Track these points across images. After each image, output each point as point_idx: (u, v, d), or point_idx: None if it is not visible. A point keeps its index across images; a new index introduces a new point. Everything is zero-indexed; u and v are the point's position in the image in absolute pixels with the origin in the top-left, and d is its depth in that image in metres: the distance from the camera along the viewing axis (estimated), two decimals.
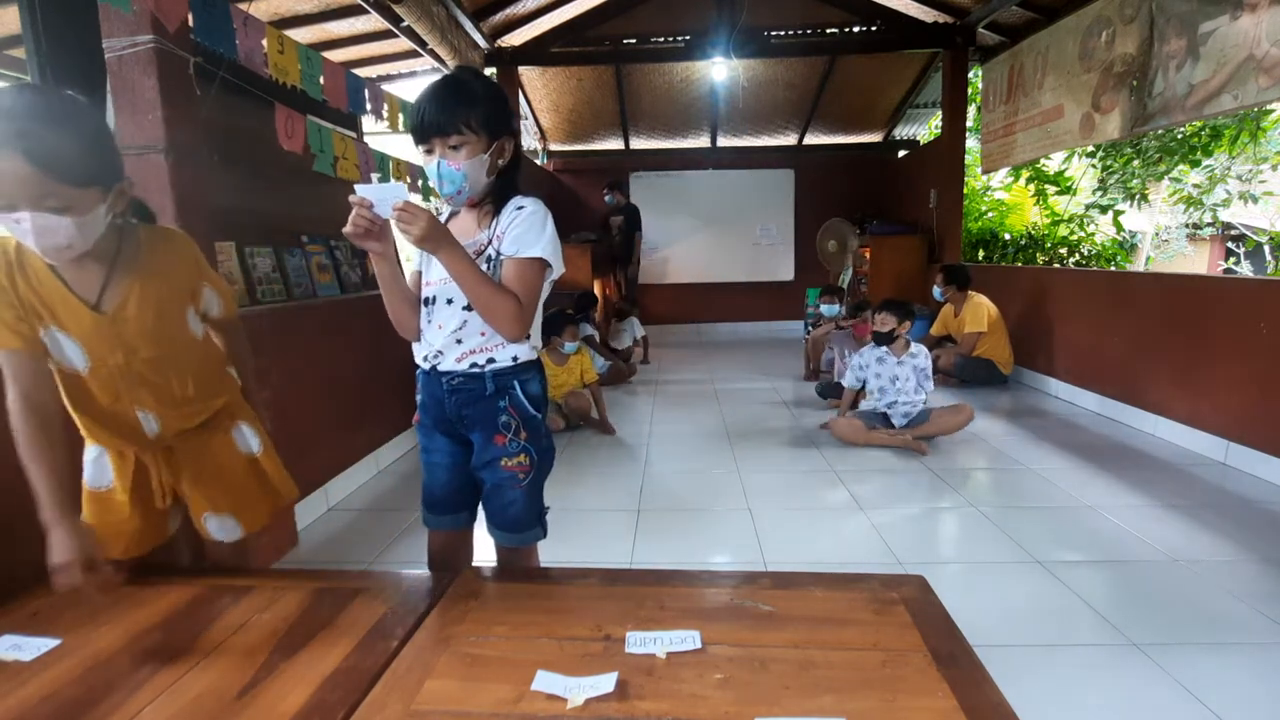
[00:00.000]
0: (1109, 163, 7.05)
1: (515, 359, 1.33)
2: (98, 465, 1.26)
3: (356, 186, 1.16)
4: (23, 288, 1.10)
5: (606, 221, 6.94)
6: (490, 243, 1.27)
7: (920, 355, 3.47)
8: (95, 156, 1.05)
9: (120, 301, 1.15)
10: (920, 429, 3.36)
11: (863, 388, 3.61)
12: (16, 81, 1.02)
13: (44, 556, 1.06)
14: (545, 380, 1.41)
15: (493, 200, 1.31)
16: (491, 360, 1.31)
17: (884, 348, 3.48)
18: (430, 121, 1.21)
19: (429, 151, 1.23)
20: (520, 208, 1.28)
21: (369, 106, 2.90)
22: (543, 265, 1.27)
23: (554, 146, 8.02)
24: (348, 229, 1.17)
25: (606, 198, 6.75)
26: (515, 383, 1.34)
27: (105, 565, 1.11)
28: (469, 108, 1.21)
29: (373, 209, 1.16)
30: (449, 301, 1.29)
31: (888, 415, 3.46)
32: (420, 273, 1.34)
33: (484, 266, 1.25)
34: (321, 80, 2.53)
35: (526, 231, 1.25)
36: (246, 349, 1.45)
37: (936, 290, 4.88)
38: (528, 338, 1.33)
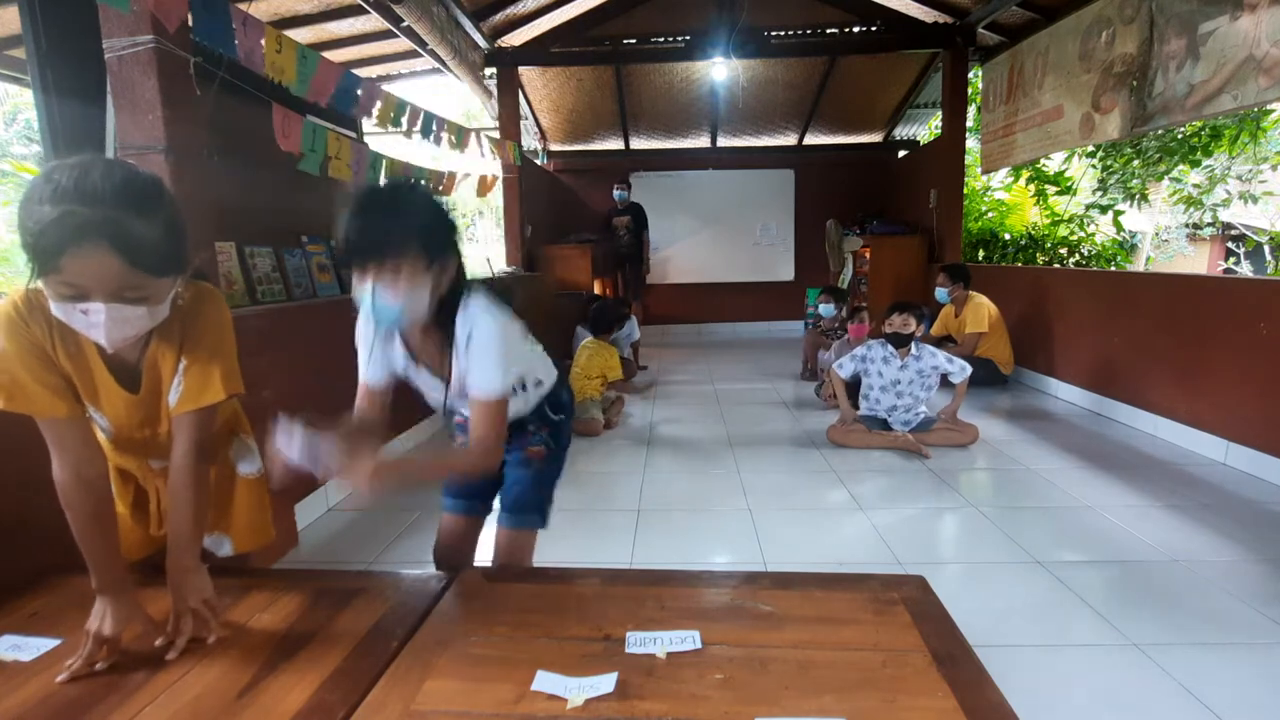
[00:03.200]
0: (1109, 163, 7.05)
1: (542, 403, 1.43)
2: None
3: (280, 444, 1.00)
4: (62, 359, 1.02)
5: (609, 221, 6.75)
6: (451, 377, 1.23)
7: (924, 355, 3.41)
8: (176, 244, 0.96)
9: (152, 378, 1.09)
10: (921, 437, 3.33)
11: (858, 387, 3.58)
12: (93, 157, 0.88)
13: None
14: (569, 387, 1.50)
15: (438, 322, 1.20)
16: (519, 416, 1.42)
17: (892, 348, 3.45)
18: (359, 246, 1.05)
19: (363, 274, 1.08)
20: (470, 334, 1.17)
21: (359, 105, 2.89)
22: (506, 397, 1.21)
23: (554, 146, 8.02)
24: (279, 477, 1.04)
25: (617, 193, 6.56)
26: (545, 406, 1.44)
27: (149, 624, 1.08)
28: (405, 231, 1.06)
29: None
30: (456, 415, 1.35)
31: (888, 422, 3.45)
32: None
33: (450, 392, 1.25)
34: (311, 79, 2.53)
35: (483, 368, 1.17)
36: (198, 510, 1.14)
37: (943, 292, 4.77)
38: (543, 380, 1.44)
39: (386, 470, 1.04)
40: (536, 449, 1.43)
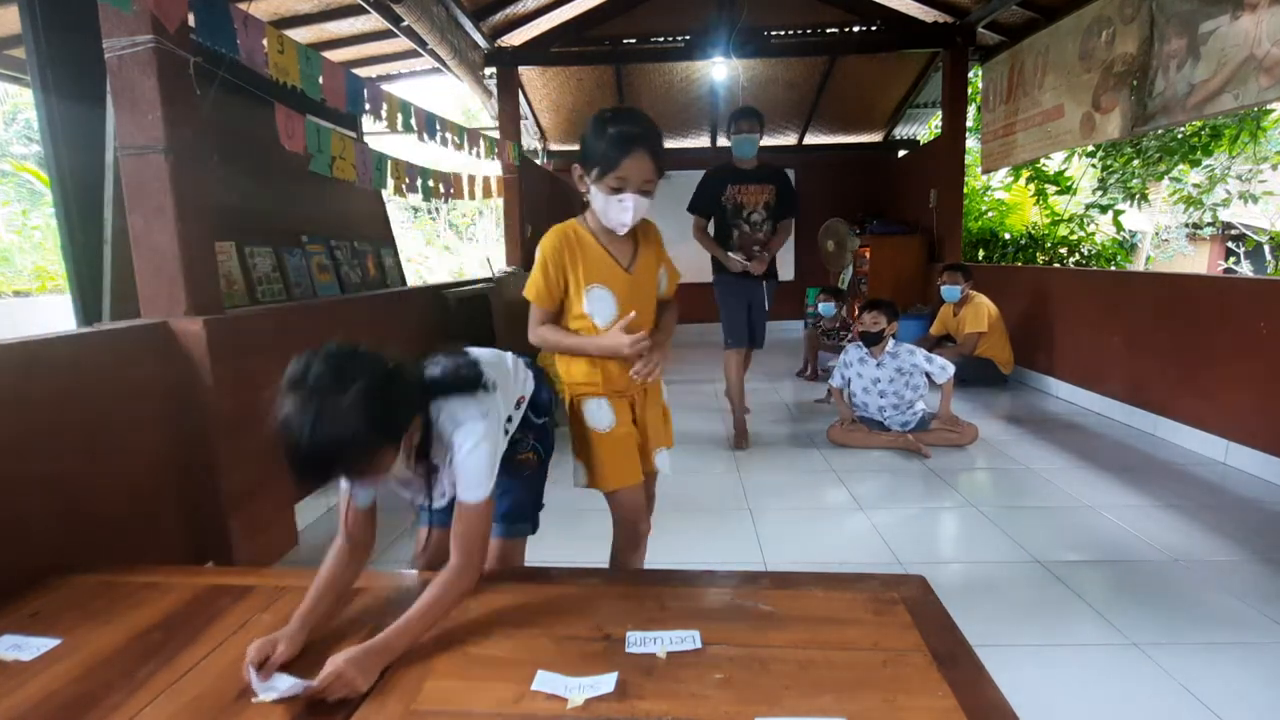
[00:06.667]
0: (1109, 162, 7.05)
1: (526, 412, 1.41)
2: (599, 410, 1.53)
3: (256, 687, 0.95)
4: (581, 261, 1.48)
5: (718, 197, 3.37)
6: (441, 491, 1.18)
7: (902, 354, 3.38)
8: (664, 158, 1.45)
9: (640, 267, 1.53)
10: (921, 437, 3.33)
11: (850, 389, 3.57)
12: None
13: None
14: (551, 384, 1.52)
15: (418, 458, 1.13)
16: None
17: (865, 349, 3.45)
18: (305, 474, 0.96)
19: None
20: (453, 453, 1.12)
21: (368, 106, 2.90)
22: (490, 499, 1.15)
23: (554, 146, 8.02)
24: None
25: (738, 143, 3.31)
26: (529, 413, 1.41)
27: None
28: (347, 459, 0.96)
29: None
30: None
31: (884, 424, 3.44)
32: None
33: (440, 499, 1.18)
34: (321, 80, 2.53)
35: (469, 476, 1.11)
36: (674, 323, 1.68)
37: (955, 290, 4.65)
38: (535, 363, 1.48)
39: (377, 662, 0.97)
40: (526, 455, 1.41)
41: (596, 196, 1.44)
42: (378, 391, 0.96)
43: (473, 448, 1.11)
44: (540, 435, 1.43)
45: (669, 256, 1.66)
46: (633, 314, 1.45)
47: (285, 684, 0.94)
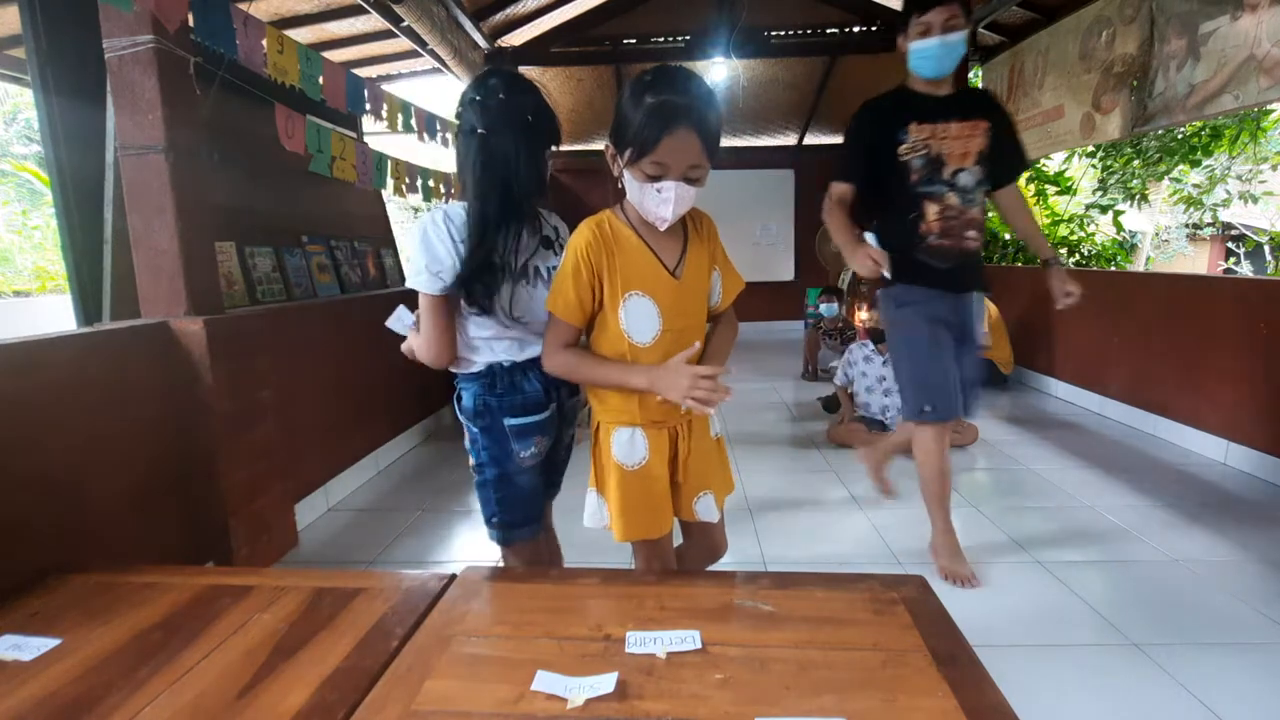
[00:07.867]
0: (1109, 163, 7.05)
1: (455, 370, 1.39)
2: (630, 444, 1.28)
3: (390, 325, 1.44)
4: (618, 261, 1.22)
5: (893, 139, 2.15)
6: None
7: None
8: (719, 140, 1.17)
9: (689, 270, 1.26)
10: None
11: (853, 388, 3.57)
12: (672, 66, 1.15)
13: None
14: (485, 397, 1.34)
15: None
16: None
17: (871, 346, 3.46)
18: None
19: None
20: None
21: (368, 106, 2.90)
22: (424, 296, 1.29)
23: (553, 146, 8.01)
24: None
25: (926, 50, 1.99)
26: (458, 388, 1.41)
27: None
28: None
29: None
30: None
31: (884, 424, 3.44)
32: None
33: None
34: (320, 80, 2.53)
35: (409, 262, 1.31)
36: (730, 345, 1.38)
37: None
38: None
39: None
40: (470, 459, 1.39)
41: (630, 184, 1.18)
42: (475, 95, 1.38)
43: (411, 235, 1.31)
44: (472, 442, 1.38)
45: (729, 258, 1.37)
46: (696, 345, 1.19)
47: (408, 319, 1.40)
